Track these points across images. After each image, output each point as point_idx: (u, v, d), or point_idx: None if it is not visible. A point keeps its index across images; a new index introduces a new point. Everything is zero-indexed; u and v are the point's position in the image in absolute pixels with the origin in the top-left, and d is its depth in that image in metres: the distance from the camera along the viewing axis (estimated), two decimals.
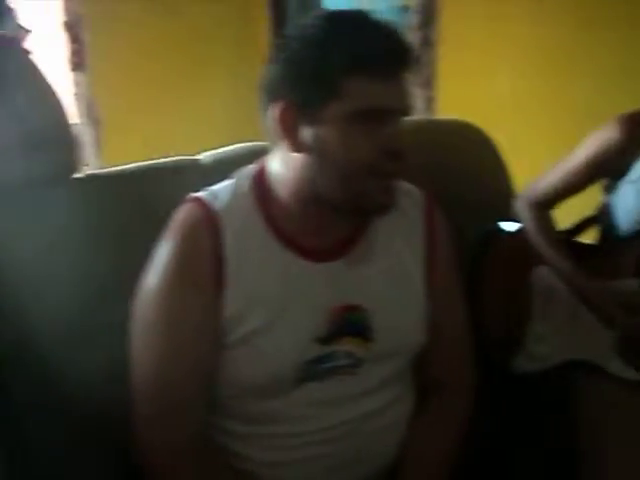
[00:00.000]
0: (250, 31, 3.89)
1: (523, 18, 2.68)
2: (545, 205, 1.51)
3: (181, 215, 1.11)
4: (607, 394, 1.40)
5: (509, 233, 1.56)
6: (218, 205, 1.10)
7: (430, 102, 2.95)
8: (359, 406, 1.15)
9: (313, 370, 1.10)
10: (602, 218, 1.52)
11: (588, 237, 1.59)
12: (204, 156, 1.40)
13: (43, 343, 1.15)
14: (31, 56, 1.20)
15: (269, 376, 1.08)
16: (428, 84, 2.94)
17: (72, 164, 1.26)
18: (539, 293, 1.49)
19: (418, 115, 2.91)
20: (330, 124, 1.00)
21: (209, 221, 1.08)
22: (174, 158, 1.39)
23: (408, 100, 1.05)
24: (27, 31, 2.13)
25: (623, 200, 1.42)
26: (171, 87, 3.65)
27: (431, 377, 1.26)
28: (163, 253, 1.08)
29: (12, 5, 1.94)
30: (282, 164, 1.09)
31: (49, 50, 3.36)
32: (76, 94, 3.44)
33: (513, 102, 2.76)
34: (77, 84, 3.44)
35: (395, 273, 1.17)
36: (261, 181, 1.13)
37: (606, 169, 1.44)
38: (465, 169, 1.64)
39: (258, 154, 1.17)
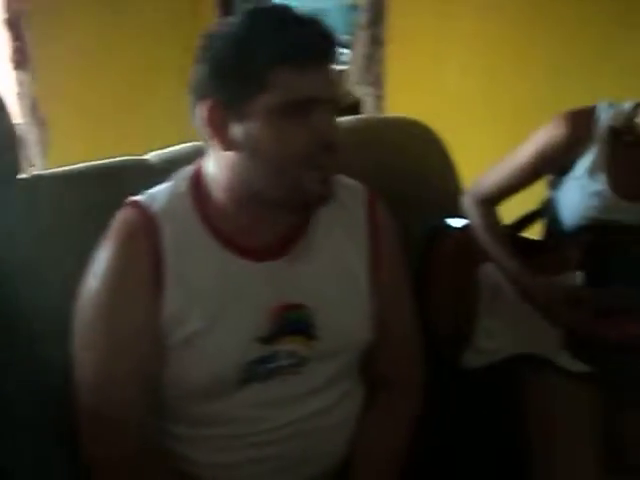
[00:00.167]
0: (198, 30, 3.84)
1: (470, 16, 2.72)
2: (491, 201, 1.53)
3: (119, 219, 1.10)
4: (555, 387, 1.42)
5: (456, 229, 1.58)
6: (156, 207, 1.10)
7: (379, 100, 2.96)
8: (305, 406, 1.14)
9: (256, 370, 1.09)
10: (547, 213, 1.54)
11: (533, 232, 1.61)
12: (151, 156, 1.39)
13: None
14: None
15: (211, 377, 1.07)
16: (377, 82, 2.96)
17: (15, 165, 1.24)
18: (486, 289, 1.51)
19: (367, 113, 2.93)
20: (258, 119, 1.01)
21: (146, 224, 1.08)
22: (121, 158, 1.37)
23: (335, 90, 1.07)
24: None
25: (567, 196, 1.45)
26: (118, 86, 3.60)
27: (380, 374, 1.26)
28: (102, 257, 1.08)
29: None
30: (216, 163, 1.09)
31: None
32: (19, 93, 3.36)
33: (461, 99, 2.80)
34: (20, 83, 3.35)
35: (338, 270, 1.17)
36: (198, 182, 1.12)
37: (551, 165, 1.46)
38: (412, 167, 1.65)
39: (205, 153, 1.17)
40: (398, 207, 1.38)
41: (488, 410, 1.46)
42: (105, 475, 1.07)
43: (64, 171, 1.32)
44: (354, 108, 3.11)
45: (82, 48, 3.45)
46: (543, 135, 1.45)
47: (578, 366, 1.41)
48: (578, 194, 1.42)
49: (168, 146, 1.41)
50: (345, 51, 4.49)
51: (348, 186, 1.23)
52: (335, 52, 1.06)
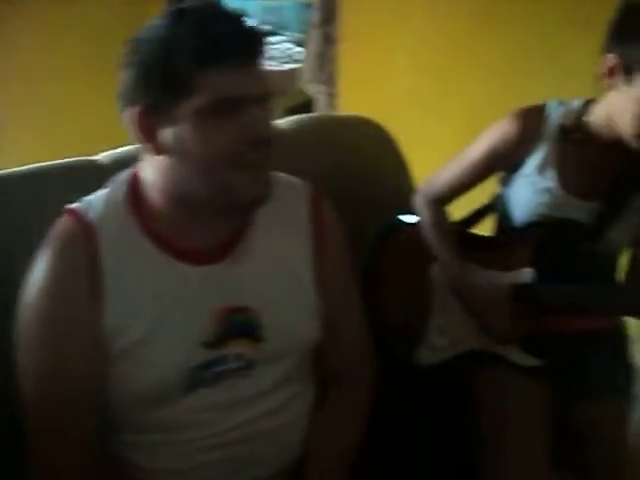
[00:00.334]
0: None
1: (423, 14, 2.73)
2: (443, 200, 1.54)
3: (56, 228, 1.08)
4: (506, 382, 1.44)
5: (408, 227, 1.58)
6: (92, 215, 1.08)
7: (332, 99, 2.97)
8: (255, 408, 1.14)
9: (203, 375, 1.09)
10: (497, 209, 1.56)
11: (483, 228, 1.63)
12: (102, 156, 1.37)
13: None
14: None
15: (156, 385, 1.06)
16: (330, 81, 2.96)
17: None
18: (439, 286, 1.52)
19: (320, 112, 2.93)
20: (186, 122, 1.00)
21: (84, 232, 1.07)
22: (71, 159, 1.35)
23: (264, 85, 1.05)
24: None
25: (518, 193, 1.47)
26: (68, 84, 3.54)
27: (330, 372, 1.26)
28: (40, 268, 1.06)
29: None
30: (151, 168, 1.08)
31: None
32: None
33: (414, 97, 2.81)
34: None
35: (281, 270, 1.16)
36: (135, 186, 1.11)
37: (502, 163, 1.48)
38: (365, 166, 1.66)
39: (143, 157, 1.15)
40: (351, 207, 1.39)
41: (441, 407, 1.47)
42: None
43: (12, 172, 1.30)
44: (307, 106, 3.12)
45: (31, 44, 3.38)
46: (494, 133, 1.46)
47: (529, 360, 1.43)
48: (528, 191, 1.44)
49: (119, 146, 1.39)
50: (299, 49, 4.51)
51: (290, 185, 1.23)
52: (261, 48, 1.04)
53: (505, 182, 1.51)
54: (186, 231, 1.10)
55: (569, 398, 1.49)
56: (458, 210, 1.61)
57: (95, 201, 1.11)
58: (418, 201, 1.56)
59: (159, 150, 1.03)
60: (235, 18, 1.03)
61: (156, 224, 1.09)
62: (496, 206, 1.57)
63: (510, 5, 2.52)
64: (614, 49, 1.28)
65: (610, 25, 1.30)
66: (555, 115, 1.42)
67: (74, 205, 1.10)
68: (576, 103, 1.43)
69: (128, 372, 1.06)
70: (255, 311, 1.12)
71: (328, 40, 2.99)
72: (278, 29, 5.22)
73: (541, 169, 1.42)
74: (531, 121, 1.43)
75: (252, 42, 1.03)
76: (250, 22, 1.03)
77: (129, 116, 1.03)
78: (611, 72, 1.29)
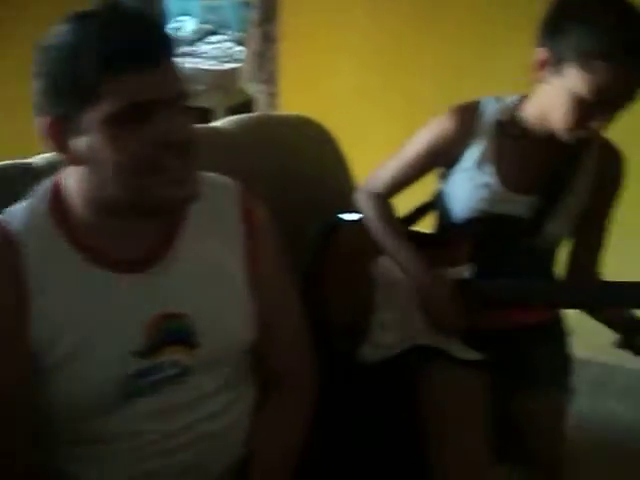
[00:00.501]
0: None
1: (364, 13, 2.75)
2: (385, 195, 1.55)
3: None
4: (448, 376, 1.46)
5: (350, 224, 1.59)
6: (15, 226, 1.05)
7: (272, 98, 2.96)
8: (194, 413, 1.12)
9: (138, 385, 1.06)
10: (437, 206, 1.57)
11: (425, 226, 1.65)
12: (36, 159, 1.34)
13: None
14: None
15: (92, 397, 1.04)
16: (270, 80, 2.95)
17: None
18: (382, 282, 1.53)
19: (260, 111, 2.92)
20: (97, 130, 0.97)
21: (6, 244, 1.03)
22: (3, 162, 1.31)
23: (176, 87, 1.01)
24: None
25: (457, 188, 1.49)
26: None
27: (270, 372, 1.25)
28: None
29: None
30: (72, 176, 1.05)
31: None
32: None
33: (356, 96, 2.83)
34: None
35: (213, 273, 1.14)
36: (58, 195, 1.08)
37: (440, 158, 1.50)
38: (305, 166, 1.66)
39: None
40: (292, 207, 1.39)
41: (386, 404, 1.48)
42: None
43: None
44: (247, 106, 3.10)
45: None
46: (432, 128, 1.48)
47: (470, 354, 1.45)
48: (467, 186, 1.46)
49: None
50: (239, 48, 4.48)
51: (219, 185, 1.20)
52: (170, 49, 1.01)
53: (444, 178, 1.52)
54: (112, 239, 1.07)
55: (510, 391, 1.51)
56: (399, 209, 1.62)
57: (18, 212, 1.07)
58: (360, 197, 1.57)
59: (72, 160, 1.01)
60: (139, 19, 1.00)
61: (82, 234, 1.06)
62: (436, 203, 1.58)
63: (451, 3, 2.56)
64: (545, 43, 1.32)
65: (543, 20, 1.33)
66: (491, 111, 1.45)
67: None
68: (511, 99, 1.46)
69: (61, 385, 1.03)
70: (189, 317, 1.10)
71: (268, 39, 2.98)
72: (218, 28, 5.19)
73: (479, 164, 1.44)
74: (467, 117, 1.45)
75: (158, 43, 0.99)
76: (156, 22, 1.01)
77: (40, 127, 1.00)
78: (542, 65, 1.33)
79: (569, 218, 1.46)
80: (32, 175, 1.28)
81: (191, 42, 4.94)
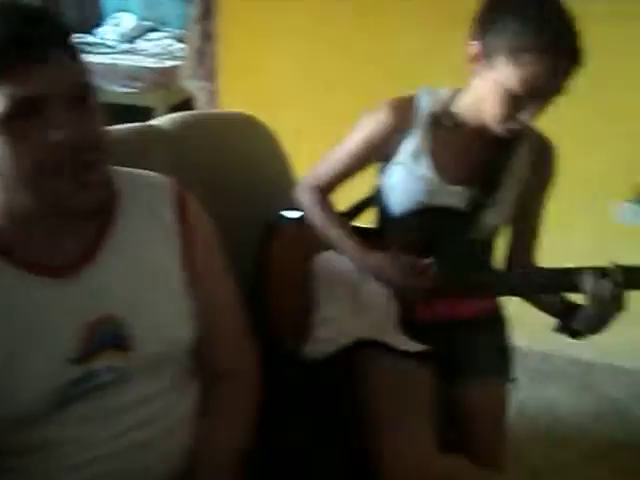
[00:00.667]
0: None
1: (302, 9, 2.74)
2: (324, 190, 1.56)
3: None
4: (393, 368, 1.47)
5: (290, 222, 1.59)
6: None
7: (213, 95, 2.94)
8: (134, 417, 1.10)
9: (74, 392, 1.04)
10: (377, 200, 1.59)
11: (365, 221, 1.66)
12: None
13: None
14: None
15: (25, 407, 1.01)
16: (210, 77, 2.93)
17: None
18: (323, 279, 1.54)
19: (201, 108, 2.90)
20: None
21: None
22: None
23: (70, 81, 0.96)
24: None
25: (395, 181, 1.50)
26: None
27: (213, 372, 1.24)
28: None
29: None
30: None
31: None
32: None
33: (296, 93, 2.82)
34: None
35: (148, 274, 1.12)
36: None
37: (377, 151, 1.51)
38: (246, 163, 1.65)
39: None
40: (233, 204, 1.38)
41: (329, 399, 1.49)
42: None
43: None
44: (189, 104, 3.08)
45: None
46: (368, 122, 1.49)
47: (413, 346, 1.46)
48: (404, 179, 1.48)
49: None
50: (180, 45, 4.43)
51: (152, 183, 1.18)
52: (59, 42, 0.96)
53: (382, 172, 1.54)
54: (38, 245, 1.04)
55: (452, 382, 1.54)
56: (340, 205, 1.63)
57: None
58: (300, 193, 1.57)
59: None
60: (25, 14, 0.95)
61: (7, 242, 1.03)
62: (376, 198, 1.59)
63: (392, 3, 2.58)
64: (478, 37, 1.34)
65: (475, 15, 1.36)
66: (425, 104, 1.47)
67: None
68: (445, 92, 1.49)
69: None
70: (122, 320, 1.07)
71: (208, 36, 2.95)
72: (158, 25, 5.12)
73: (415, 157, 1.46)
74: (402, 110, 1.47)
75: (44, 38, 0.94)
76: (44, 16, 0.96)
77: None
78: (475, 59, 1.36)
79: (505, 208, 1.49)
80: None
81: (130, 39, 4.85)
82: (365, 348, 1.48)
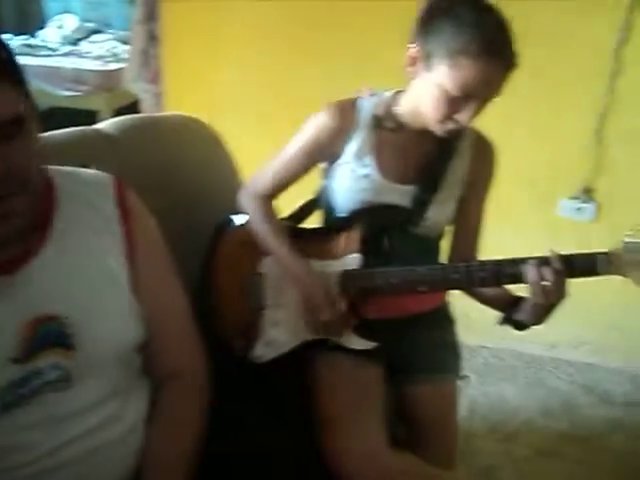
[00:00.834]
0: None
1: (247, 12, 2.74)
2: (268, 195, 1.56)
3: None
4: (342, 367, 1.49)
5: (238, 225, 1.59)
6: None
7: (158, 98, 2.91)
8: (84, 422, 1.08)
9: (18, 392, 1.02)
10: (322, 201, 1.60)
11: (312, 222, 1.66)
12: None
13: None
14: None
15: None
16: (155, 79, 2.90)
17: None
18: (271, 281, 1.54)
19: (146, 111, 2.87)
20: None
21: None
22: None
23: (3, 116, 0.92)
24: None
25: (339, 182, 1.51)
26: None
27: (161, 374, 1.23)
28: None
29: None
30: None
31: None
32: None
33: (241, 95, 2.82)
34: None
35: (92, 272, 1.10)
36: None
37: (322, 154, 1.52)
38: (192, 166, 1.64)
39: None
40: (179, 207, 1.36)
41: (281, 401, 1.48)
42: None
43: None
44: (134, 107, 3.04)
45: None
46: (311, 125, 1.50)
47: (362, 344, 1.48)
48: (349, 178, 1.49)
49: None
50: (124, 47, 4.37)
51: (92, 183, 1.16)
52: None
53: (327, 174, 1.55)
54: None
55: (402, 379, 1.55)
56: (285, 208, 1.64)
57: None
58: (244, 199, 1.57)
59: None
60: None
61: None
62: (321, 199, 1.61)
63: (333, 7, 2.59)
64: (417, 40, 1.36)
65: (415, 18, 1.38)
66: (368, 106, 1.49)
67: None
68: (387, 94, 1.51)
69: None
70: (64, 318, 1.06)
71: (153, 38, 2.91)
72: (102, 27, 5.04)
73: (359, 156, 1.48)
74: (345, 112, 1.48)
75: None
76: None
77: None
78: (413, 61, 1.38)
79: (448, 205, 1.52)
80: None
81: (73, 41, 4.77)
82: (314, 348, 1.50)
